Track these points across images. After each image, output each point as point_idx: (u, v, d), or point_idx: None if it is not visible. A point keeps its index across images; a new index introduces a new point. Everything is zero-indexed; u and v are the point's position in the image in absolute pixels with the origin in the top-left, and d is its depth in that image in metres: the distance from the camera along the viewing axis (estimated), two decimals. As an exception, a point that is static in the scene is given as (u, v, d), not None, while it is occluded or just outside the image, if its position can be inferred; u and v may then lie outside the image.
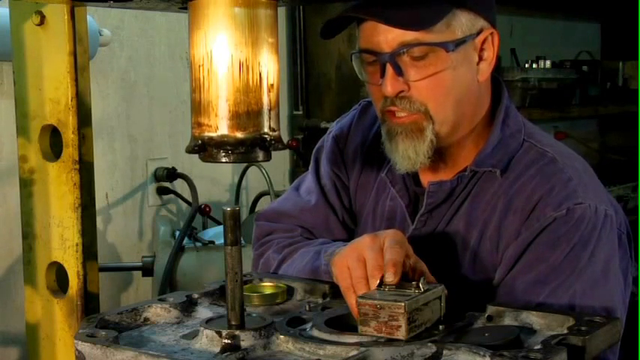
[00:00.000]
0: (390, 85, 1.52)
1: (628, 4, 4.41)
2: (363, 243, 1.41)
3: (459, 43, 1.52)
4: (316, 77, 4.25)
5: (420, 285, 1.26)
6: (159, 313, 1.39)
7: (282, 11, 4.11)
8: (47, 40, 1.48)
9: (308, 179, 1.85)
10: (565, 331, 1.21)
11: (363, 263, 1.37)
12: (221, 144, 1.20)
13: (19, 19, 1.52)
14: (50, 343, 1.53)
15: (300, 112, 4.30)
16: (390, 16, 1.48)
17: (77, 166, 1.49)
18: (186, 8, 1.24)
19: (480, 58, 1.57)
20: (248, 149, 1.20)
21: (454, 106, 1.55)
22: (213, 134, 1.20)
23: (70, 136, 1.48)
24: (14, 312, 3.11)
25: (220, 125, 1.20)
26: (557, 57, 5.08)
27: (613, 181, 4.64)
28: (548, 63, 4.80)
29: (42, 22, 1.48)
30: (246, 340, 1.22)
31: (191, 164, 3.66)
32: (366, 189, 1.75)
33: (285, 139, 4.09)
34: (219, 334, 1.22)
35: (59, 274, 1.53)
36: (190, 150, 1.22)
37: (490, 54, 1.57)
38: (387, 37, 1.50)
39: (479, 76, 1.57)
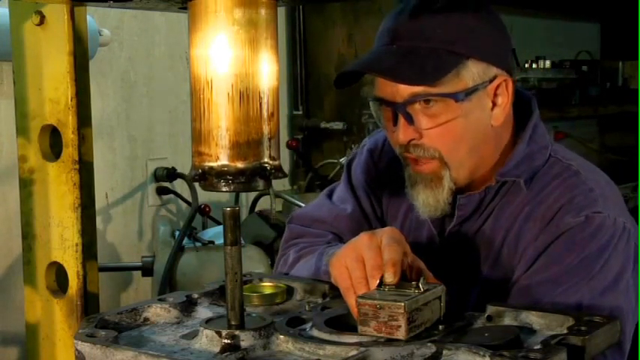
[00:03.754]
0: (402, 134, 1.57)
1: (628, 4, 4.41)
2: (361, 242, 1.41)
3: (469, 92, 1.54)
4: (316, 77, 4.25)
5: (420, 285, 1.26)
6: (159, 313, 1.39)
7: (282, 11, 4.11)
8: (47, 40, 1.48)
9: (341, 188, 1.88)
10: (565, 331, 1.21)
11: (362, 263, 1.37)
12: (221, 173, 1.21)
13: (19, 19, 1.51)
14: (50, 343, 1.53)
15: (300, 112, 4.30)
16: (397, 71, 1.53)
17: (77, 166, 1.49)
18: (186, 8, 1.24)
19: (494, 104, 1.59)
20: (248, 178, 1.21)
21: (468, 152, 1.59)
22: (213, 163, 1.21)
23: (69, 136, 1.48)
24: (14, 312, 3.11)
25: (221, 155, 1.21)
26: (557, 57, 5.08)
27: (613, 181, 4.62)
28: (547, 63, 4.81)
29: (42, 22, 1.48)
30: (246, 340, 1.22)
31: (191, 164, 3.66)
32: (398, 202, 1.77)
33: (285, 138, 4.09)
34: (219, 334, 1.22)
35: (59, 274, 1.53)
36: (191, 179, 1.24)
37: (504, 100, 1.59)
38: (398, 88, 1.54)
39: (492, 121, 1.60)
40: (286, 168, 4.19)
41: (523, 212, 1.59)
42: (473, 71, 1.55)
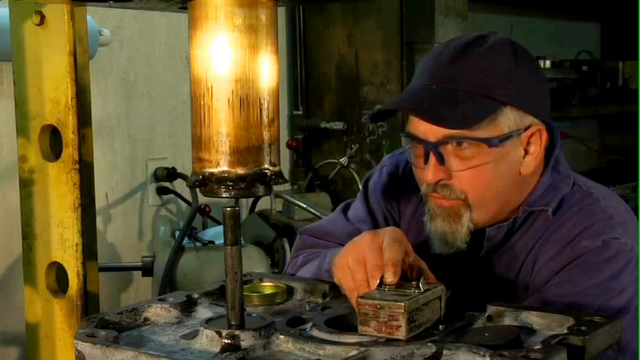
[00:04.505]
0: (432, 173, 1.57)
1: (628, 4, 4.42)
2: (363, 242, 1.41)
3: (503, 138, 1.55)
4: (316, 77, 4.25)
5: (420, 285, 1.26)
6: (159, 313, 1.39)
7: (282, 11, 4.12)
8: (47, 40, 1.48)
9: (357, 207, 1.87)
10: (565, 331, 1.21)
11: (364, 264, 1.37)
12: (222, 179, 1.21)
13: (19, 19, 1.51)
14: (50, 343, 1.53)
15: (300, 112, 4.30)
16: (436, 113, 1.54)
17: (77, 166, 1.48)
18: (186, 8, 1.24)
19: (526, 152, 1.60)
20: (249, 184, 1.21)
21: (494, 197, 1.59)
22: (214, 170, 1.21)
23: (69, 136, 1.48)
24: (14, 312, 3.11)
25: (221, 161, 1.21)
26: (557, 57, 5.09)
27: (613, 181, 4.63)
28: (548, 63, 4.81)
29: (42, 22, 1.48)
30: (246, 340, 1.22)
31: (191, 164, 3.66)
32: (418, 228, 1.75)
33: (285, 138, 4.09)
34: (219, 334, 1.22)
35: (59, 274, 1.53)
36: (191, 185, 1.24)
37: (537, 148, 1.60)
38: (433, 127, 1.55)
39: (522, 169, 1.60)
40: (286, 168, 4.19)
41: (542, 236, 1.60)
42: (509, 118, 1.55)
